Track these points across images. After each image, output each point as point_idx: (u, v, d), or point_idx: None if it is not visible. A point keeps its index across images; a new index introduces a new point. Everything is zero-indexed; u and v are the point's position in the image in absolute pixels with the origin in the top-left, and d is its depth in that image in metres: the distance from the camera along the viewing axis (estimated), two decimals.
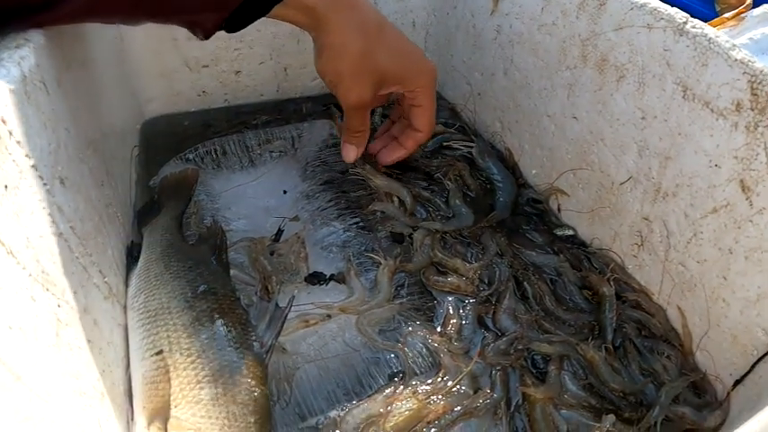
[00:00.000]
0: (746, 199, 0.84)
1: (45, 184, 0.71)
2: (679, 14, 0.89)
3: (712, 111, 0.86)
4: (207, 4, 0.90)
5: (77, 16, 0.84)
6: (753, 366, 0.87)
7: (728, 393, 0.90)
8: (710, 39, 0.85)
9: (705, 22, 1.56)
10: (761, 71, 0.79)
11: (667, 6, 0.91)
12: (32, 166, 0.69)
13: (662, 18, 0.91)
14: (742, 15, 1.60)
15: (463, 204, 1.23)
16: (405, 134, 1.25)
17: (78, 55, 0.99)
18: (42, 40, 0.80)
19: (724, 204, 0.88)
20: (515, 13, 1.21)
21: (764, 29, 1.56)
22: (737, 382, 0.89)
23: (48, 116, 0.76)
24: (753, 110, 0.81)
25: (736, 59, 0.82)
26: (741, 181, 0.85)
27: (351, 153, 1.21)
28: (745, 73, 0.81)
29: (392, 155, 1.28)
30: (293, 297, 0.93)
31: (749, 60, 0.80)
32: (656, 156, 0.98)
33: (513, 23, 1.22)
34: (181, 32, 1.12)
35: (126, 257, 1.01)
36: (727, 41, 0.83)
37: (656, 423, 0.89)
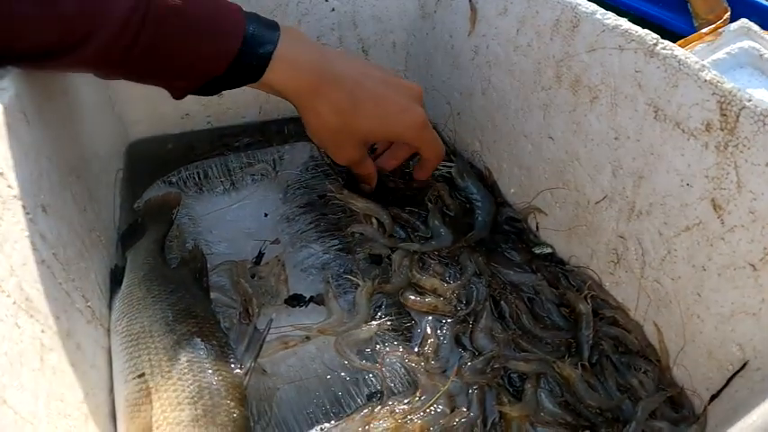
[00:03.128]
0: (718, 217, 0.85)
1: (28, 213, 0.72)
2: (649, 36, 0.90)
3: (683, 131, 0.87)
4: (182, 74, 0.95)
5: (70, 68, 0.88)
6: (728, 381, 0.87)
7: (705, 408, 0.90)
8: (680, 60, 0.85)
9: (683, 37, 1.59)
10: (729, 92, 0.80)
11: (638, 28, 0.92)
12: (14, 197, 0.70)
13: (633, 40, 0.91)
14: (719, 30, 1.61)
15: (442, 225, 1.24)
16: (418, 165, 1.29)
17: (59, 83, 1.00)
18: (21, 71, 0.82)
19: (696, 222, 0.89)
20: (492, 34, 1.22)
21: (742, 43, 1.58)
22: (714, 397, 0.90)
23: (29, 146, 0.77)
24: (722, 130, 0.82)
25: (705, 80, 0.82)
26: (712, 200, 0.86)
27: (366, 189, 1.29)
28: (714, 93, 0.82)
29: (417, 177, 1.31)
30: (271, 320, 0.94)
31: (718, 81, 0.81)
32: (629, 175, 0.99)
33: (490, 44, 1.23)
34: None
35: (110, 281, 1.02)
36: (696, 62, 0.84)
37: None
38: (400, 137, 1.19)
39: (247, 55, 0.95)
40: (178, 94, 1.00)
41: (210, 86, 0.98)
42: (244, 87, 1.23)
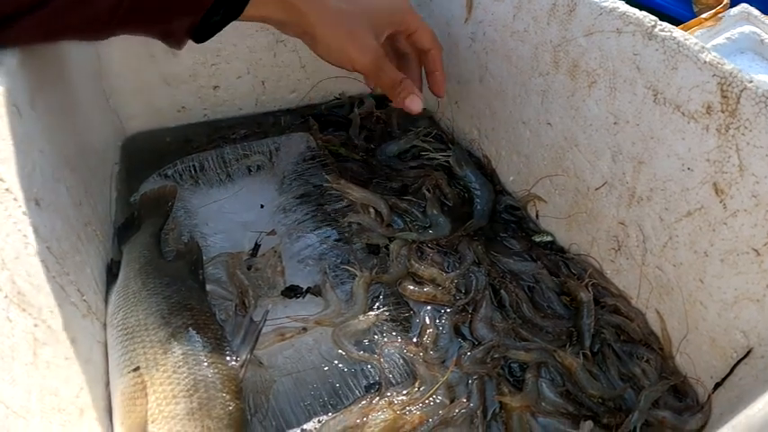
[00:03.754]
0: (720, 202, 0.85)
1: (20, 207, 0.71)
2: (647, 18, 0.89)
3: (683, 114, 0.86)
4: (182, 8, 0.90)
5: (55, 24, 0.82)
6: (732, 368, 0.87)
7: (709, 396, 0.90)
8: (679, 42, 0.85)
9: (683, 22, 1.58)
10: (730, 73, 0.79)
11: (636, 10, 0.91)
12: (7, 189, 0.70)
13: (630, 22, 0.91)
14: (719, 15, 1.60)
15: (440, 214, 1.23)
16: (425, 60, 1.22)
17: (53, 76, 0.99)
18: (14, 63, 0.81)
19: (698, 207, 0.88)
20: (488, 20, 1.22)
21: (742, 28, 1.57)
22: (718, 385, 0.89)
23: (21, 139, 0.76)
24: (723, 112, 0.81)
25: (705, 62, 0.82)
26: (714, 184, 0.85)
27: (414, 104, 1.15)
28: (714, 75, 0.81)
29: (437, 87, 1.23)
30: (267, 311, 0.93)
31: (718, 62, 0.80)
32: (629, 160, 0.98)
33: (487, 31, 1.23)
34: (158, 48, 1.12)
35: (106, 275, 1.01)
36: (696, 44, 0.83)
37: (635, 428, 0.89)
38: (401, 15, 1.15)
39: None
40: (179, 40, 0.95)
41: (211, 19, 0.93)
42: (240, 77, 1.22)
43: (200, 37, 0.96)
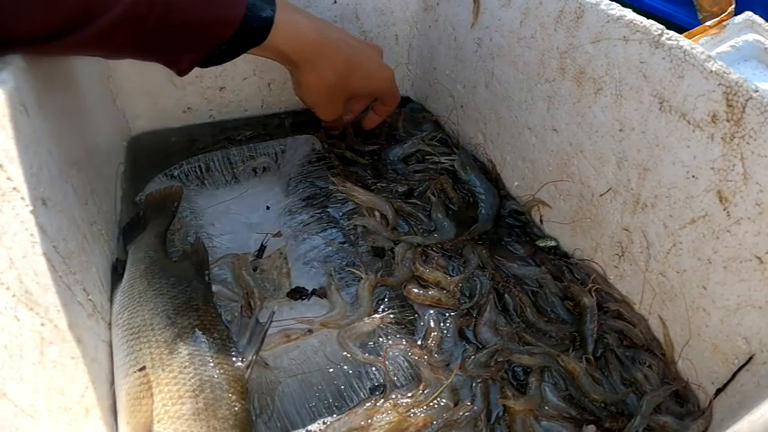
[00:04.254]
0: (724, 209, 0.85)
1: (27, 206, 0.72)
2: (654, 26, 0.89)
3: (689, 122, 0.87)
4: (190, 43, 0.98)
5: (75, 48, 0.88)
6: (734, 375, 0.87)
7: (711, 402, 0.90)
8: (686, 51, 0.85)
9: (687, 30, 1.58)
10: (736, 82, 0.79)
11: (643, 18, 0.91)
12: (14, 189, 0.70)
13: (638, 30, 0.91)
14: (724, 23, 1.60)
15: (445, 218, 1.23)
16: (377, 107, 1.44)
17: (60, 76, 1.00)
18: (22, 63, 0.81)
19: (702, 215, 0.89)
20: (495, 26, 1.22)
21: (746, 36, 1.57)
22: (719, 391, 0.89)
23: (29, 138, 0.77)
24: (728, 121, 0.81)
25: (711, 71, 0.82)
26: (718, 192, 0.85)
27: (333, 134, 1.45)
28: (720, 84, 0.81)
29: (370, 123, 1.46)
30: (273, 313, 0.94)
31: (724, 72, 0.81)
32: (634, 167, 0.98)
33: (494, 36, 1.23)
34: None
35: (111, 274, 1.02)
36: (702, 53, 0.84)
37: None
38: (377, 91, 1.36)
39: (252, 19, 1.01)
40: (183, 70, 1.04)
41: (214, 56, 1.03)
42: (246, 78, 1.25)
43: (203, 66, 1.06)
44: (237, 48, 1.04)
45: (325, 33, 1.17)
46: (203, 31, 0.97)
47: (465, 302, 1.08)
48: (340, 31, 1.26)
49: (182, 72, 1.04)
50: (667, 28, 0.89)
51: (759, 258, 0.81)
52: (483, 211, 1.27)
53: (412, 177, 1.34)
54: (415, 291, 1.08)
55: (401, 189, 1.31)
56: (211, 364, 0.83)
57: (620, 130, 0.99)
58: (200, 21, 0.95)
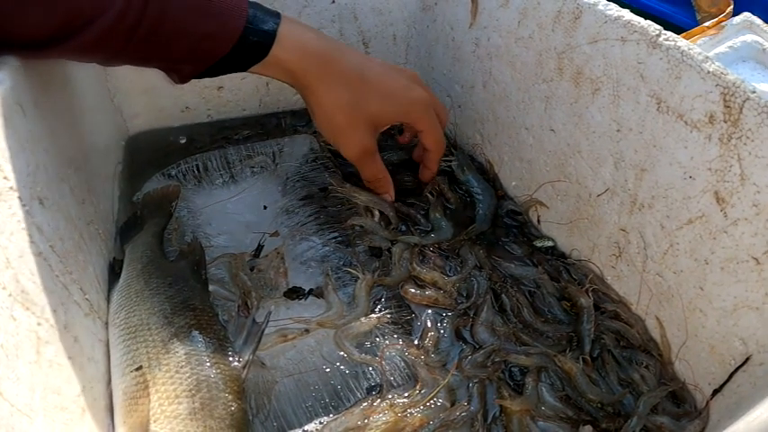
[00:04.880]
0: (721, 210, 0.85)
1: (24, 205, 0.72)
2: (652, 27, 0.89)
3: (686, 123, 0.87)
4: (188, 55, 0.94)
5: (73, 54, 0.87)
6: (731, 375, 0.87)
7: (707, 402, 0.90)
8: (683, 51, 0.85)
9: (686, 30, 1.58)
10: (733, 83, 0.79)
11: (641, 19, 0.91)
12: (11, 188, 0.70)
13: (635, 31, 0.91)
14: (722, 24, 1.61)
15: (443, 218, 1.24)
16: (423, 156, 1.29)
17: (57, 75, 1.00)
18: (18, 63, 0.82)
19: (699, 216, 0.89)
20: (493, 26, 1.22)
21: (744, 37, 1.57)
22: (716, 392, 0.89)
23: (26, 138, 0.77)
24: (726, 122, 0.81)
25: (708, 72, 0.82)
26: (716, 192, 0.85)
27: (385, 200, 1.26)
28: (717, 85, 0.81)
29: (424, 178, 1.32)
30: (270, 312, 0.94)
31: (722, 72, 0.81)
32: (631, 168, 0.98)
33: (491, 36, 1.23)
34: None
35: (108, 274, 1.02)
36: (700, 54, 0.83)
37: None
38: (408, 115, 1.17)
39: (253, 32, 0.96)
40: (183, 78, 1.00)
41: (215, 69, 0.99)
42: (244, 78, 1.23)
43: (204, 76, 1.01)
44: (238, 62, 0.99)
45: (334, 48, 1.08)
46: (199, 44, 0.93)
47: (462, 302, 1.08)
48: (353, 50, 1.19)
49: (182, 80, 1.01)
50: (665, 28, 0.89)
51: (756, 259, 0.81)
52: (480, 212, 1.27)
53: (409, 178, 1.35)
54: (412, 291, 1.08)
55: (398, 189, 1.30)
56: (208, 364, 0.83)
57: (618, 131, 0.99)
58: (195, 34, 0.91)
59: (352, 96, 1.08)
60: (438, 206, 1.26)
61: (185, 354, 0.83)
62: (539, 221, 1.25)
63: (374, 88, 1.11)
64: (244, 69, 1.01)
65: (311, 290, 1.07)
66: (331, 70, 1.06)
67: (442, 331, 1.03)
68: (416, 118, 1.18)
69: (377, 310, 1.05)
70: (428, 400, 0.91)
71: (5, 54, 0.81)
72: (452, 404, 0.92)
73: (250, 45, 0.97)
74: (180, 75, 0.99)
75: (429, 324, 1.03)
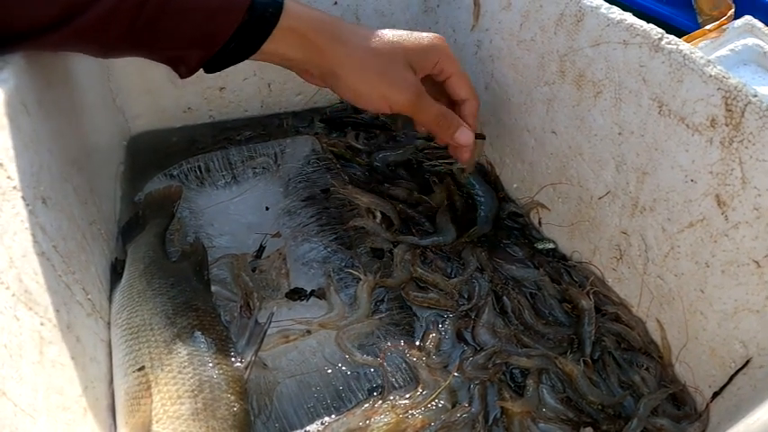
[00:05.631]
0: (722, 213, 0.85)
1: (28, 205, 0.72)
2: (654, 30, 0.89)
3: (688, 126, 0.87)
4: (195, 37, 0.89)
5: (74, 40, 0.84)
6: (731, 378, 0.87)
7: (707, 405, 0.90)
8: (685, 55, 0.85)
9: (687, 34, 1.58)
10: (735, 87, 0.79)
11: (643, 22, 0.91)
12: (14, 188, 0.70)
13: (637, 34, 0.91)
14: (723, 27, 1.60)
15: (449, 221, 1.24)
16: (459, 110, 1.13)
17: (60, 75, 1.00)
18: (22, 62, 0.81)
19: (700, 219, 0.89)
20: (495, 28, 1.22)
21: (746, 40, 1.57)
22: (716, 394, 0.90)
23: (29, 137, 0.77)
24: (727, 125, 0.81)
25: (710, 75, 0.82)
26: (717, 196, 0.85)
27: (464, 136, 1.10)
28: (719, 89, 0.81)
29: (462, 156, 1.16)
30: (272, 313, 0.94)
31: (723, 76, 0.81)
32: (633, 171, 0.98)
33: (494, 39, 1.23)
34: None
35: (110, 274, 1.02)
36: (701, 57, 0.84)
37: None
38: (437, 52, 1.05)
39: (259, 2, 0.90)
40: (190, 70, 0.95)
41: (224, 57, 0.93)
42: (246, 78, 1.22)
43: (212, 68, 0.96)
44: (248, 41, 0.92)
45: (338, 16, 1.03)
46: (206, 23, 0.88)
47: (463, 304, 1.08)
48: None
49: (189, 70, 0.95)
50: (667, 31, 0.89)
51: (757, 262, 0.82)
52: (482, 214, 1.27)
53: (409, 181, 1.35)
54: (414, 292, 1.09)
55: (398, 191, 1.31)
56: (210, 365, 0.83)
57: (620, 134, 0.99)
58: (202, 11, 0.86)
59: (378, 39, 1.01)
60: (446, 210, 1.27)
61: (188, 354, 0.83)
62: (540, 224, 1.25)
63: (395, 33, 1.02)
64: (254, 50, 0.94)
65: (313, 291, 1.07)
66: (344, 27, 0.99)
67: (443, 333, 1.03)
68: (445, 61, 1.07)
69: (378, 311, 1.06)
70: (429, 402, 0.91)
71: (9, 47, 0.81)
72: (454, 405, 0.92)
73: (258, 18, 0.91)
74: (187, 65, 0.93)
75: (430, 326, 1.04)
